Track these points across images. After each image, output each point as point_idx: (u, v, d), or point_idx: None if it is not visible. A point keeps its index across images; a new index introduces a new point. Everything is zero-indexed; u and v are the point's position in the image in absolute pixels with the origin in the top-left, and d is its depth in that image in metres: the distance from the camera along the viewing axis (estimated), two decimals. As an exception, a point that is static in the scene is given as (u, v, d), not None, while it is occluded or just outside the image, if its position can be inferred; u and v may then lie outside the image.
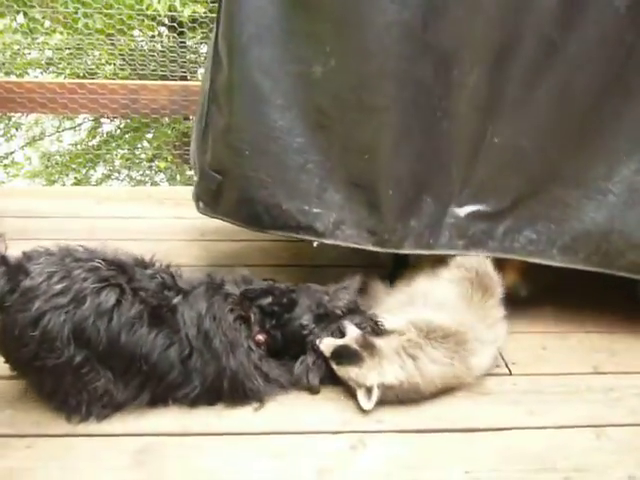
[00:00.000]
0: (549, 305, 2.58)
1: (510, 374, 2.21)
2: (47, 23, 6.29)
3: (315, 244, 2.41)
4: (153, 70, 5.47)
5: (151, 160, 8.54)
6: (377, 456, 1.84)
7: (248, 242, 3.03)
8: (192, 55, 6.09)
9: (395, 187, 2.27)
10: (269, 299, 2.12)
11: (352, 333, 2.05)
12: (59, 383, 1.88)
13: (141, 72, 5.58)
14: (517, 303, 2.43)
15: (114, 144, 8.31)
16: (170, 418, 1.94)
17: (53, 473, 1.74)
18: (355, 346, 2.01)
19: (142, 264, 2.08)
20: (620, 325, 2.50)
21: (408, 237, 2.31)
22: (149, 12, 5.47)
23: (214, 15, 2.33)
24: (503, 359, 2.28)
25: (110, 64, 6.68)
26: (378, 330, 2.11)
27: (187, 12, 5.55)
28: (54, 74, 6.80)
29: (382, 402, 1.98)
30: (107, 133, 8.57)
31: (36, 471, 1.74)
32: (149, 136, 8.45)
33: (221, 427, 1.92)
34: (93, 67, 6.36)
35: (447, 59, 2.14)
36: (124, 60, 6.33)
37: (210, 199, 2.42)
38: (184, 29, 5.93)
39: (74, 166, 8.26)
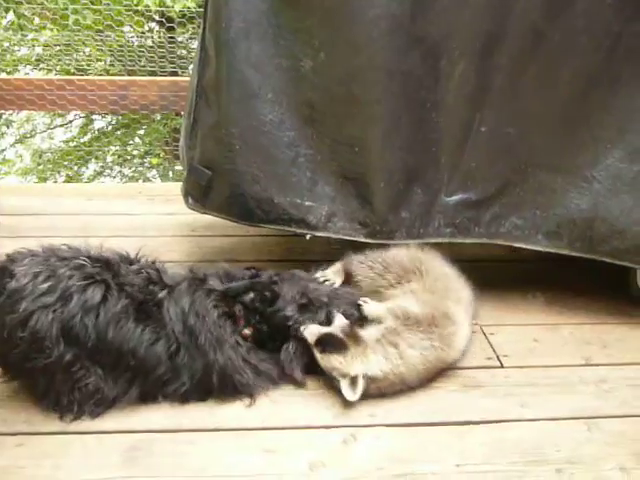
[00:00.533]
0: (541, 297, 2.58)
1: (502, 367, 2.21)
2: (36, 20, 6.26)
3: (307, 237, 2.41)
4: (143, 66, 5.46)
5: (143, 157, 8.52)
6: (369, 450, 1.84)
7: (239, 237, 3.03)
8: (182, 51, 6.08)
9: (386, 179, 2.28)
10: (251, 295, 2.11)
11: (339, 322, 2.05)
12: (51, 383, 1.87)
13: (131, 68, 5.57)
14: (508, 296, 2.43)
15: (106, 141, 8.28)
16: (161, 415, 1.94)
17: (44, 471, 1.73)
18: (340, 334, 2.00)
19: (127, 260, 2.08)
20: (611, 317, 2.50)
21: (400, 228, 2.33)
22: (139, 8, 5.44)
23: (203, 10, 2.32)
24: (495, 352, 2.28)
25: (100, 60, 6.66)
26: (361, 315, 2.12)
27: (177, 7, 5.52)
28: (44, 71, 6.77)
29: (368, 396, 1.98)
30: (98, 130, 8.55)
31: (27, 469, 1.73)
32: (141, 132, 8.43)
33: (213, 423, 1.92)
34: (83, 64, 6.34)
35: (435, 50, 2.14)
36: (113, 56, 6.31)
37: (200, 194, 2.42)
38: (173, 24, 5.92)
39: (66, 163, 8.24)
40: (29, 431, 1.85)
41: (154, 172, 8.62)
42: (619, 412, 2.02)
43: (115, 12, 5.42)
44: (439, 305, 2.11)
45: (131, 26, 6.11)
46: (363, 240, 2.35)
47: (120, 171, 8.71)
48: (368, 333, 2.03)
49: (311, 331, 2.03)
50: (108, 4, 5.40)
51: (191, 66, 5.83)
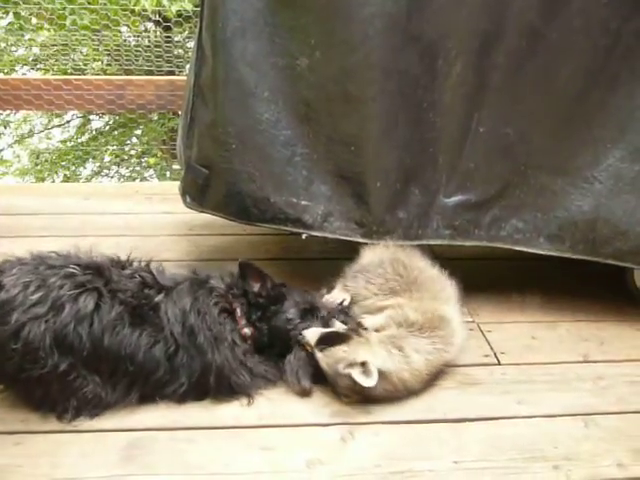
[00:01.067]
0: (538, 294, 2.59)
1: (499, 364, 2.22)
2: (33, 20, 6.25)
3: (304, 236, 2.41)
4: (140, 66, 5.45)
5: (140, 156, 8.51)
6: (366, 447, 1.84)
7: (236, 236, 3.03)
8: (179, 50, 6.08)
9: (382, 179, 2.27)
10: (257, 286, 2.11)
11: (338, 326, 2.05)
12: (46, 392, 1.87)
13: (128, 68, 5.56)
14: (505, 293, 2.44)
15: (103, 141, 8.28)
16: (159, 413, 1.94)
17: (42, 470, 1.73)
18: (342, 331, 2.00)
19: (119, 264, 2.07)
20: (609, 314, 2.51)
21: (397, 228, 2.33)
22: (136, 8, 5.44)
23: (199, 10, 2.32)
24: (492, 349, 2.28)
25: (97, 60, 6.66)
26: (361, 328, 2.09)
27: (174, 8, 5.51)
28: (41, 71, 6.77)
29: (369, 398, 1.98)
30: (96, 130, 8.54)
31: (25, 468, 1.73)
32: (138, 132, 8.43)
33: (211, 421, 1.92)
34: (80, 64, 6.33)
35: (432, 49, 2.14)
36: (110, 56, 6.31)
37: (197, 193, 2.42)
38: (170, 24, 5.91)
39: (63, 163, 8.23)
40: (27, 430, 1.85)
41: (151, 172, 8.62)
42: (616, 409, 2.03)
43: (112, 12, 5.42)
44: (432, 308, 2.11)
45: (128, 26, 6.09)
46: (360, 240, 2.34)
47: (117, 171, 8.71)
48: (371, 335, 2.02)
49: (312, 333, 2.01)
50: (105, 4, 5.40)
51: (188, 66, 5.84)
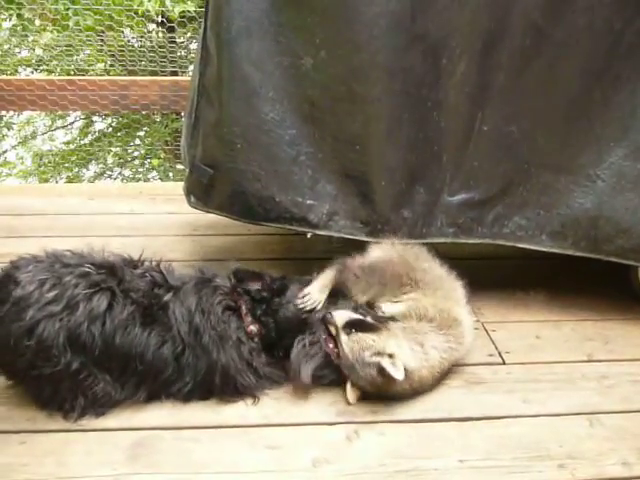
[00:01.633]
0: (542, 294, 2.59)
1: (504, 363, 2.22)
2: (37, 22, 6.26)
3: (309, 235, 2.41)
4: (143, 67, 5.46)
5: (144, 158, 8.51)
6: (372, 446, 1.85)
7: (240, 236, 3.03)
8: (182, 51, 6.08)
9: (387, 177, 2.28)
10: (258, 285, 2.12)
11: (346, 315, 2.02)
12: (56, 390, 1.88)
13: (131, 69, 5.57)
14: (510, 292, 2.43)
15: (106, 142, 8.28)
16: (165, 412, 1.94)
17: (48, 468, 1.73)
18: (371, 320, 2.00)
19: (131, 264, 2.08)
20: (613, 313, 2.51)
21: (402, 227, 2.33)
22: (139, 9, 5.44)
23: (204, 10, 2.32)
24: (497, 348, 2.28)
25: (100, 61, 6.66)
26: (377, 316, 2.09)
27: (177, 10, 5.52)
28: (45, 72, 6.78)
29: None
30: (99, 131, 8.54)
31: (31, 466, 1.73)
32: (141, 134, 8.43)
33: (217, 420, 1.92)
34: (83, 65, 6.34)
35: (436, 48, 2.14)
36: (114, 57, 6.32)
37: (201, 193, 2.42)
38: (174, 25, 5.92)
39: (67, 165, 8.23)
40: (32, 429, 1.86)
41: (154, 173, 8.62)
42: (621, 408, 2.03)
43: (116, 12, 5.43)
44: (446, 307, 2.11)
45: (131, 27, 6.11)
46: (365, 239, 2.34)
47: (120, 172, 8.71)
48: (396, 328, 2.01)
49: (341, 315, 2.00)
50: (108, 4, 5.41)
51: (191, 66, 5.84)
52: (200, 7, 5.45)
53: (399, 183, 2.31)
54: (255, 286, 2.11)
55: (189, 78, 3.13)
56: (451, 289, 2.21)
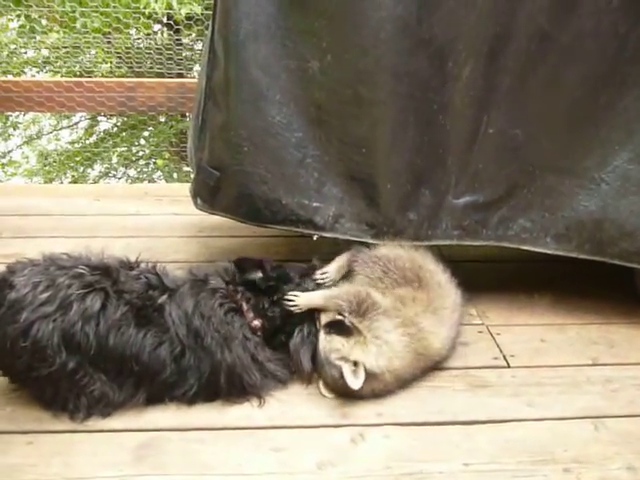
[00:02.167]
0: (547, 297, 2.59)
1: (508, 366, 2.22)
2: (44, 22, 6.28)
3: (315, 238, 2.42)
4: (149, 68, 5.48)
5: (149, 158, 8.53)
6: (377, 449, 1.85)
7: (246, 238, 3.04)
8: (188, 52, 6.09)
9: (393, 180, 2.29)
10: (260, 274, 2.14)
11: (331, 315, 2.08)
12: (57, 390, 1.89)
13: (137, 70, 5.59)
14: (514, 296, 2.43)
15: (111, 142, 8.30)
16: (171, 414, 1.95)
17: (54, 469, 1.74)
18: (349, 323, 2.01)
19: (127, 266, 2.08)
20: (618, 316, 2.51)
21: (407, 229, 2.34)
22: (146, 11, 5.46)
23: (210, 12, 2.33)
24: (501, 351, 2.28)
25: (107, 62, 6.68)
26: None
27: (184, 11, 5.53)
28: (51, 73, 6.79)
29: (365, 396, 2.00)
30: (104, 131, 8.57)
31: (37, 467, 1.74)
32: (146, 135, 8.45)
33: (222, 421, 1.93)
34: (90, 66, 6.36)
35: (442, 52, 2.15)
36: (120, 58, 6.33)
37: (208, 195, 2.43)
38: (180, 26, 5.93)
39: (72, 164, 8.25)
40: (39, 429, 1.87)
41: (159, 174, 8.64)
42: (626, 412, 2.03)
43: (122, 14, 5.44)
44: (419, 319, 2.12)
45: (137, 28, 6.12)
46: (370, 241, 2.35)
47: (125, 172, 8.73)
48: (368, 335, 2.02)
49: (327, 315, 2.06)
50: (115, 6, 5.42)
51: (197, 67, 5.86)
52: (206, 9, 5.47)
53: (404, 186, 2.31)
54: (258, 274, 2.13)
55: (195, 80, 3.14)
56: (445, 295, 2.22)
